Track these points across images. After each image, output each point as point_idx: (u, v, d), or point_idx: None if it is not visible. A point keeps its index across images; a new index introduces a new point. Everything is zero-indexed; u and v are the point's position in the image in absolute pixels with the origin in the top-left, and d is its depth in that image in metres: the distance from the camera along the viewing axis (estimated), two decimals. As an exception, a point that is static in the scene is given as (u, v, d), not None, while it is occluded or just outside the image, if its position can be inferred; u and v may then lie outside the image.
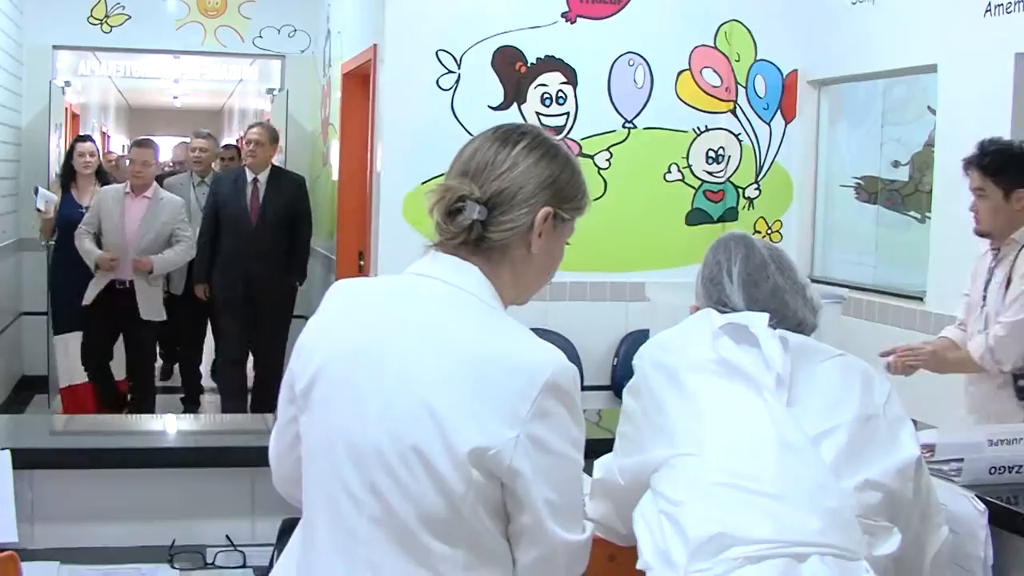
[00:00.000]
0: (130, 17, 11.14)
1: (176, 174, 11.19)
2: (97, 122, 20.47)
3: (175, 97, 22.08)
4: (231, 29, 11.32)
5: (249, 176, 9.24)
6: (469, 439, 2.13)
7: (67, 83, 12.13)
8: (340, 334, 2.33)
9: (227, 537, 3.47)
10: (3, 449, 3.38)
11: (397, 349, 2.23)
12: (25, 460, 3.41)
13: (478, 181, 2.30)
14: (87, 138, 10.23)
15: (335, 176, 9.50)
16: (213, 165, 10.67)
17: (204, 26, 11.30)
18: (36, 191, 9.52)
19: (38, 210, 9.52)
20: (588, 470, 2.57)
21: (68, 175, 9.55)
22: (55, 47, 11.28)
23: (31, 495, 3.45)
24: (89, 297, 8.64)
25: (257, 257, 9.05)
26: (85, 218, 8.74)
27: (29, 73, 10.90)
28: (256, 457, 3.25)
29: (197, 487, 3.52)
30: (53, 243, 9.50)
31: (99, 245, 8.62)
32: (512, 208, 2.30)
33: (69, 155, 9.63)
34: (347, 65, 8.82)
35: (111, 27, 11.13)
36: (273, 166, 9.43)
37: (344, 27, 9.31)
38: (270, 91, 12.48)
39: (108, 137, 22.43)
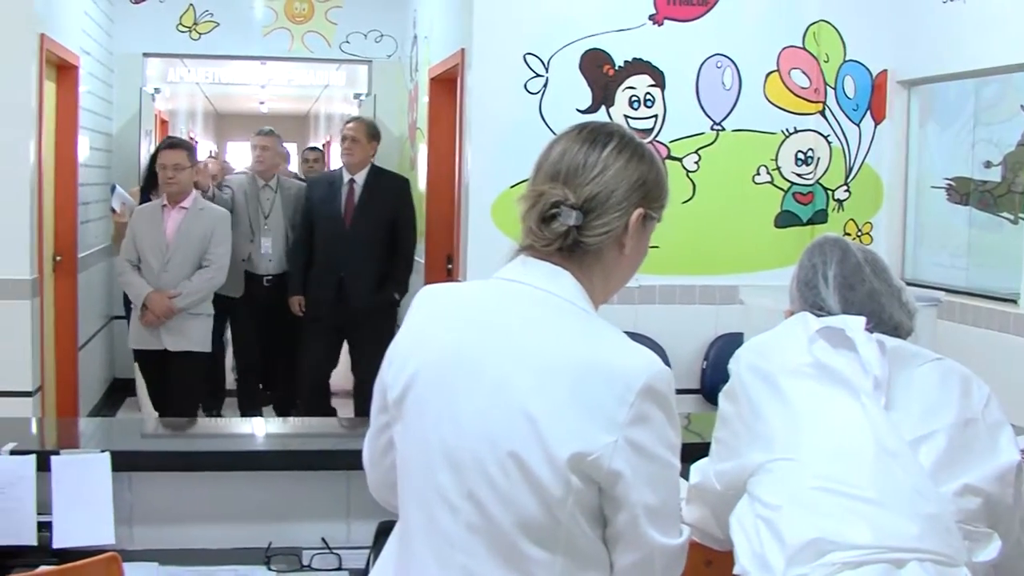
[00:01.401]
0: (218, 24, 11.24)
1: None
2: (185, 128, 20.70)
3: (261, 102, 22.26)
4: (318, 35, 11.39)
5: (345, 177, 8.52)
6: (568, 445, 2.11)
7: (157, 90, 12.25)
8: (432, 341, 2.32)
9: (323, 540, 3.50)
10: (102, 452, 3.43)
11: (492, 355, 2.23)
12: (124, 462, 3.46)
13: (571, 185, 2.27)
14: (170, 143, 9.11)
15: (423, 180, 9.47)
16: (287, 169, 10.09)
17: (291, 32, 11.38)
18: (113, 189, 9.29)
19: (112, 210, 9.22)
20: (683, 474, 2.56)
21: (150, 180, 8.75)
22: (145, 55, 11.39)
23: (130, 497, 3.51)
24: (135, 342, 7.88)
25: (351, 266, 8.32)
26: (123, 247, 7.87)
27: (119, 80, 11.00)
28: (352, 460, 3.26)
29: (293, 489, 3.55)
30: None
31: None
32: (606, 212, 2.28)
33: (153, 159, 8.68)
34: (434, 69, 8.84)
35: (200, 34, 11.24)
36: (373, 166, 8.59)
37: (431, 32, 9.33)
38: (357, 96, 12.53)
39: (196, 142, 22.66)
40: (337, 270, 8.38)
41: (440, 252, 8.79)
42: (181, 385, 7.75)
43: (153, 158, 8.77)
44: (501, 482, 2.16)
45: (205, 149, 23.20)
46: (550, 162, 2.34)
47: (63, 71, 8.54)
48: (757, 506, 2.60)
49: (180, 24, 11.16)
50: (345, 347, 8.88)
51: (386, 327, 8.16)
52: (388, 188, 8.56)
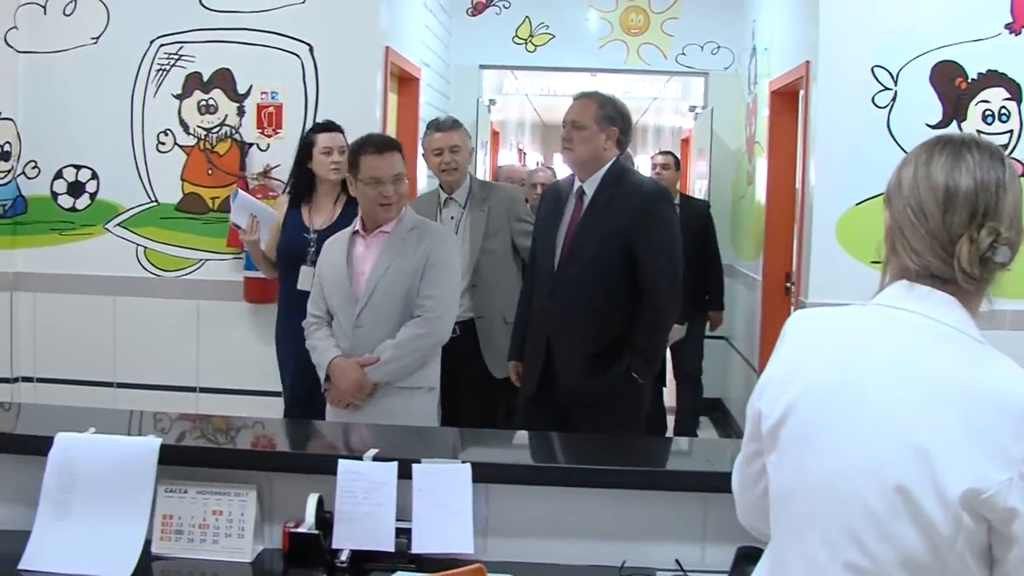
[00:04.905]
0: (554, 36, 11.41)
1: None
2: (514, 139, 21.01)
3: (589, 114, 22.41)
4: (654, 47, 11.40)
5: (575, 186, 5.59)
6: (961, 480, 2.02)
7: (492, 101, 12.48)
8: (810, 369, 2.26)
9: (676, 561, 3.45)
10: (464, 462, 3.46)
11: (877, 385, 2.15)
12: (482, 474, 3.49)
13: (995, 219, 2.17)
14: (329, 126, 6.42)
15: (762, 194, 9.31)
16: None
17: (627, 44, 11.43)
18: (234, 196, 6.61)
19: (236, 226, 6.65)
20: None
21: (304, 180, 6.33)
22: (481, 67, 11.65)
23: (487, 509, 3.52)
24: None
25: (559, 324, 5.52)
26: (314, 295, 5.38)
27: (456, 92, 11.28)
28: (710, 482, 3.24)
29: (649, 509, 3.51)
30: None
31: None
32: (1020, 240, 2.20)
33: (304, 151, 6.36)
34: (775, 82, 8.72)
35: (535, 47, 11.41)
36: (616, 166, 5.55)
37: (771, 44, 9.20)
38: (692, 108, 12.50)
39: (524, 154, 22.99)
40: (544, 328, 5.60)
41: (779, 269, 8.66)
42: None
43: (305, 146, 6.43)
44: (885, 518, 2.08)
45: (533, 160, 23.49)
46: (964, 196, 2.18)
47: (405, 83, 8.77)
48: None
49: (516, 36, 11.37)
50: None
51: (622, 413, 5.48)
52: (623, 204, 5.45)
